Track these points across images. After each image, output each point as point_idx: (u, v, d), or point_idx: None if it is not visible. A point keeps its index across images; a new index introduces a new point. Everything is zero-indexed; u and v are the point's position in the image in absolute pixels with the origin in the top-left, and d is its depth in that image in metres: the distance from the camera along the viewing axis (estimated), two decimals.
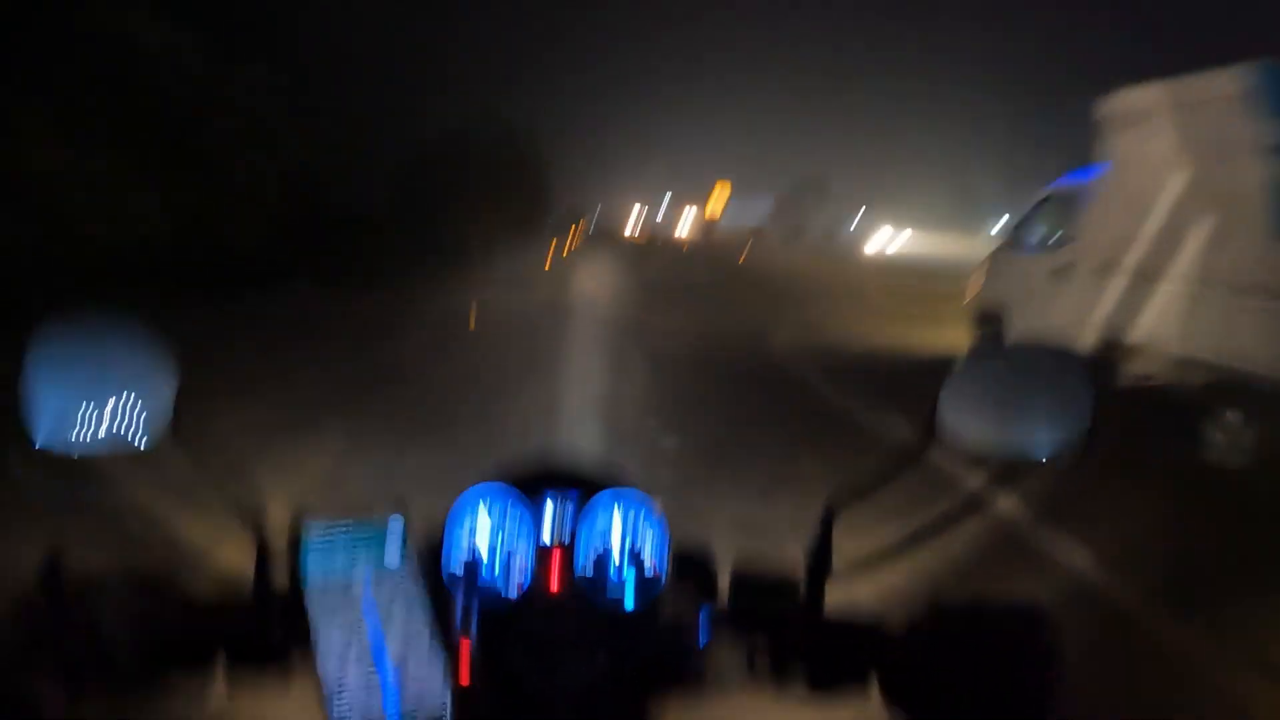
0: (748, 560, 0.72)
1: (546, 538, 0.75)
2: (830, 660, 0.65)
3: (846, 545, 0.69)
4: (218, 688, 0.60)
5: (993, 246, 8.17)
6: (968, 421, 0.65)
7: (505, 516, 0.74)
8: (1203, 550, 3.26)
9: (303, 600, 0.55)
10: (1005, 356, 0.67)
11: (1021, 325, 6.90)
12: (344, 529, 0.59)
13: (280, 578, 0.60)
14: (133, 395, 0.59)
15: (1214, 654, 2.52)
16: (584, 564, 0.74)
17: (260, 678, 0.60)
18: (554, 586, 0.73)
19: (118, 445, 0.59)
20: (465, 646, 0.64)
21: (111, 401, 0.58)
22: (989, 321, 7.46)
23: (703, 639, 0.69)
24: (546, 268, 20.00)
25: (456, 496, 0.75)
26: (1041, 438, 0.65)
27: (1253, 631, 2.66)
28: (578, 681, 0.67)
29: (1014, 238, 7.48)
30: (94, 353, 0.59)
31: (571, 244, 28.58)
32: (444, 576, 0.72)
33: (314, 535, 0.58)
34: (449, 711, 0.51)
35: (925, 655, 0.61)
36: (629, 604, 0.72)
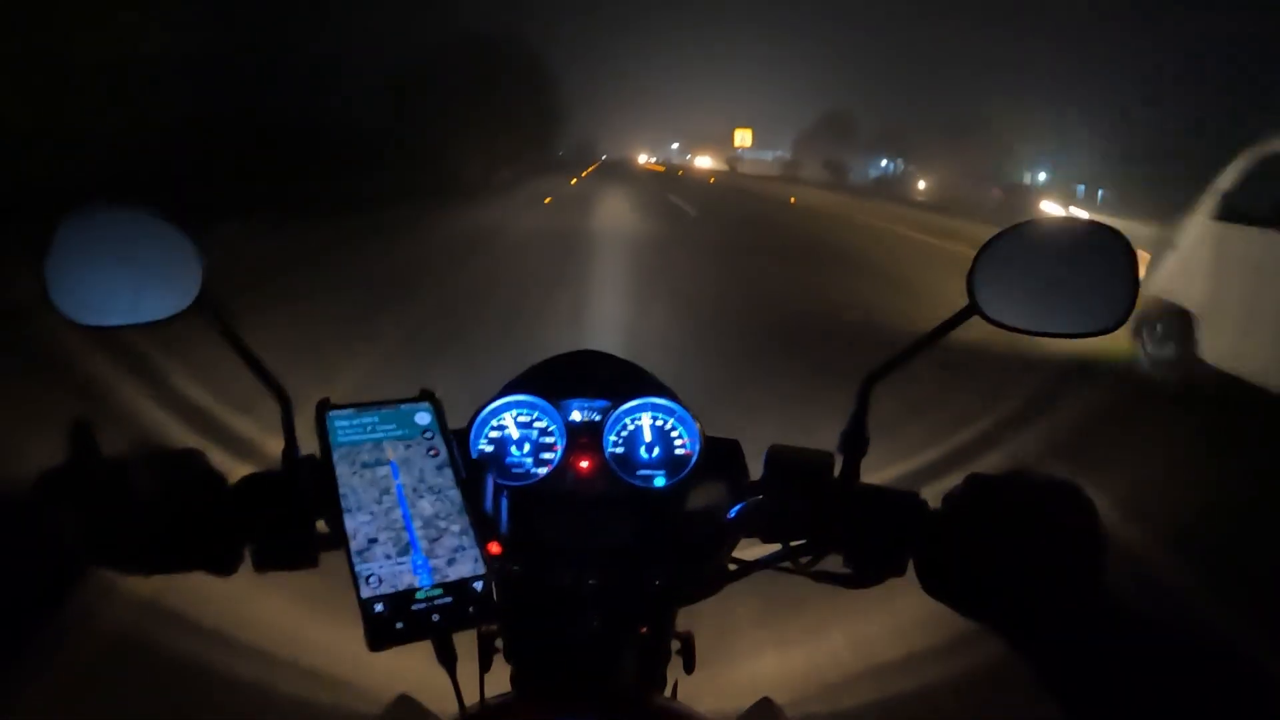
0: (783, 445, 0.70)
1: (577, 418, 0.75)
2: (865, 538, 0.64)
3: (882, 425, 0.68)
4: (248, 561, 0.60)
5: (1186, 216, 4.75)
6: (1004, 295, 0.62)
7: (533, 416, 0.75)
8: None
9: (331, 473, 0.54)
10: (1044, 231, 0.63)
11: (1239, 329, 4.14)
12: (371, 410, 0.59)
13: (308, 454, 0.60)
14: (161, 271, 0.59)
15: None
16: (614, 444, 0.74)
17: (289, 550, 0.60)
18: (583, 466, 0.73)
19: (148, 319, 0.59)
20: (494, 520, 0.65)
21: (140, 276, 0.58)
22: (1174, 325, 4.57)
23: (734, 522, 0.68)
24: (572, 183, 28.55)
25: (484, 400, 0.75)
26: (1080, 315, 0.62)
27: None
28: (605, 559, 0.68)
29: (1229, 204, 4.39)
30: (121, 229, 0.59)
31: (590, 169, 37.46)
32: (473, 455, 0.72)
33: (341, 416, 0.58)
34: (480, 574, 0.50)
35: (962, 533, 0.59)
36: (659, 482, 0.73)
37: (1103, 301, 0.62)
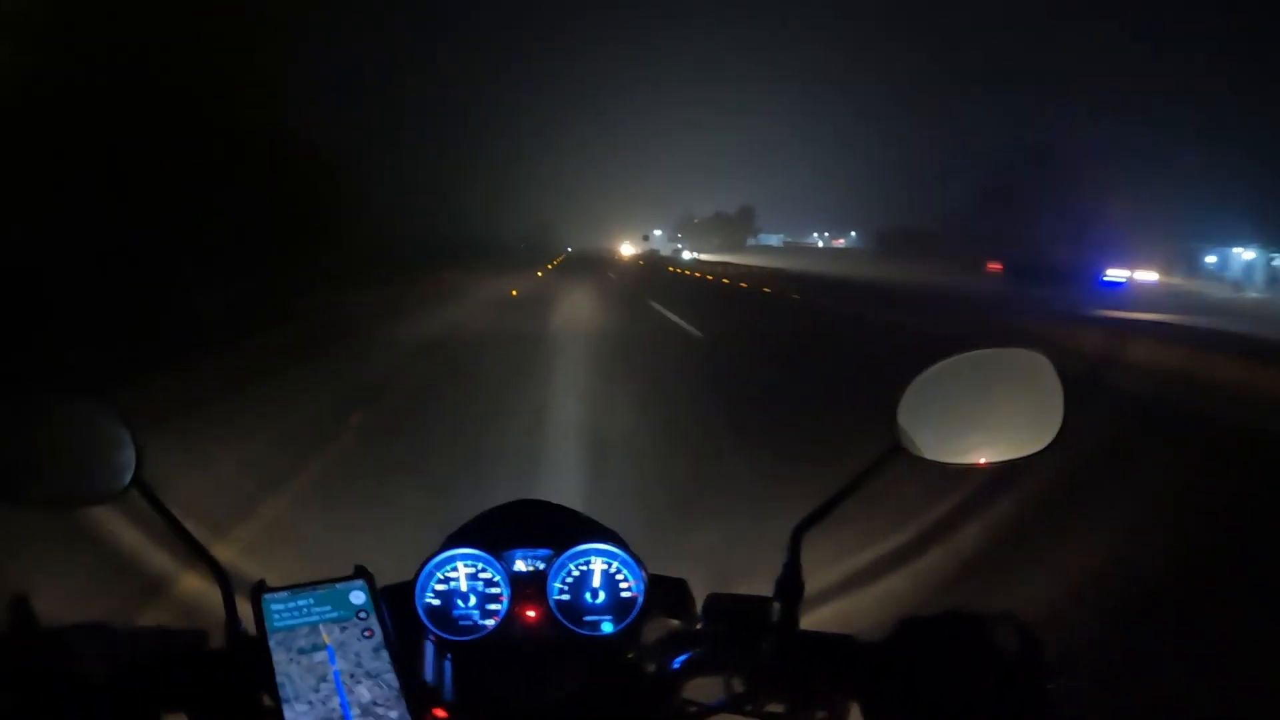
0: (722, 585, 0.72)
1: (522, 567, 0.75)
2: (806, 681, 0.65)
3: (816, 567, 0.69)
4: None
5: None
6: (929, 430, 0.64)
7: (477, 569, 0.75)
8: None
9: (267, 652, 0.54)
10: (965, 366, 0.65)
11: None
12: (306, 592, 0.59)
13: (245, 636, 0.60)
14: (95, 453, 0.60)
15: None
16: (560, 592, 0.74)
17: None
18: (530, 618, 0.73)
19: (82, 502, 0.60)
20: (436, 694, 0.64)
21: (74, 457, 0.60)
22: None
23: (677, 664, 0.69)
24: (540, 275, 25.96)
25: (425, 557, 0.75)
26: (1008, 441, 0.64)
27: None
28: (557, 706, 0.67)
29: None
30: (56, 411, 0.61)
31: (556, 260, 32.25)
32: (419, 612, 0.72)
33: (277, 598, 0.58)
34: None
35: (901, 673, 0.60)
36: (606, 628, 0.73)
37: (1030, 425, 0.64)
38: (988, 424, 0.65)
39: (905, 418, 0.64)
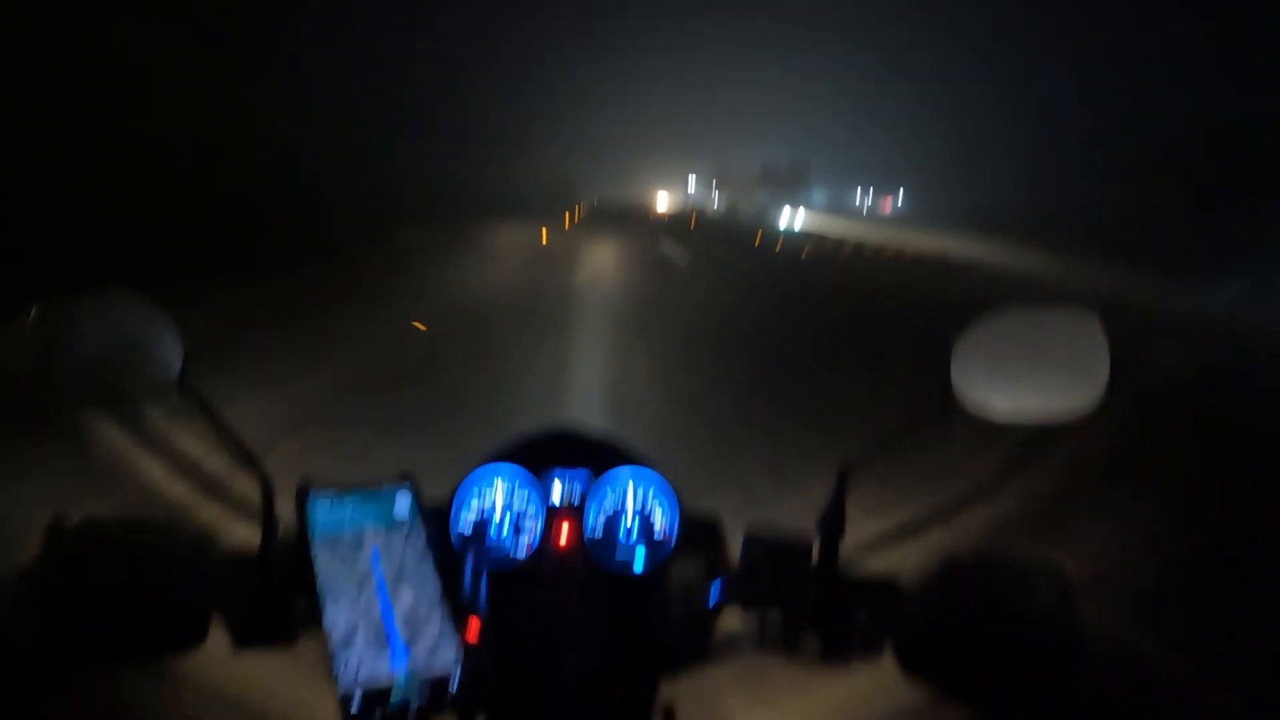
0: (760, 525, 0.71)
1: (556, 500, 0.75)
2: (843, 625, 0.65)
3: (861, 510, 0.67)
4: (223, 646, 0.60)
5: None
6: (982, 383, 0.64)
7: (514, 486, 0.75)
8: None
9: (310, 559, 0.55)
10: (1021, 319, 0.66)
11: None
12: (352, 494, 0.59)
13: (288, 537, 0.60)
14: (140, 352, 0.60)
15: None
16: (594, 526, 0.74)
17: (266, 637, 0.60)
18: (563, 546, 0.73)
19: (128, 399, 0.60)
20: (473, 605, 0.64)
21: (119, 357, 0.60)
22: None
23: (713, 602, 0.68)
24: (566, 226, 19.78)
25: (465, 473, 0.76)
26: (1055, 398, 0.64)
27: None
28: (584, 641, 0.68)
29: None
30: (100, 310, 0.61)
31: (576, 216, 24.89)
32: (452, 537, 0.72)
33: (322, 498, 0.58)
34: (457, 671, 0.50)
35: (939, 617, 0.60)
36: (638, 566, 0.73)
37: (1076, 385, 0.64)
38: (1036, 381, 0.65)
39: (959, 367, 0.65)
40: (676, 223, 28.20)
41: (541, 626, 0.69)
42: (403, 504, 0.60)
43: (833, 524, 0.66)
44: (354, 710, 0.47)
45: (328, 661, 0.48)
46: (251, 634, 0.60)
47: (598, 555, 0.73)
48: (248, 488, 0.62)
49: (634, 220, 27.49)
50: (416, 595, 0.53)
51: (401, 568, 0.55)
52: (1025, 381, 0.65)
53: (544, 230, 17.29)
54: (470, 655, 0.51)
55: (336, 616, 0.51)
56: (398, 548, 0.57)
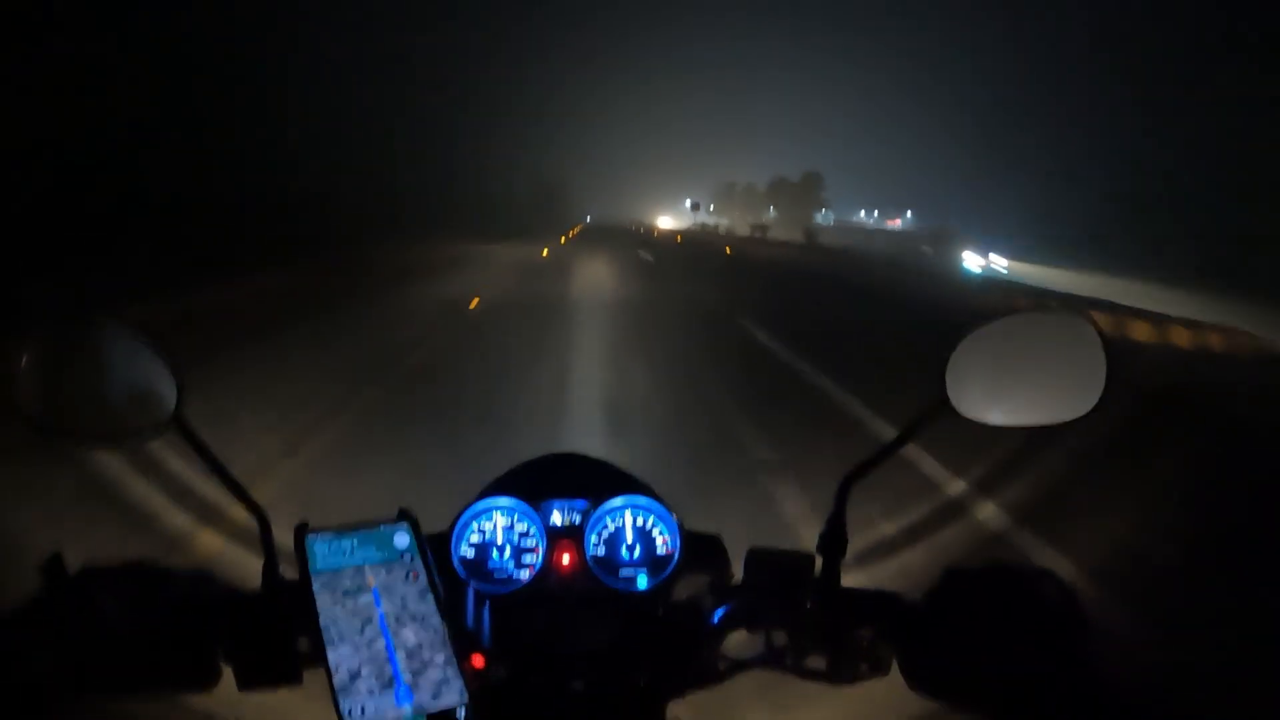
0: (762, 541, 0.70)
1: (557, 522, 0.75)
2: (848, 640, 0.64)
3: (860, 524, 0.67)
4: (228, 683, 0.59)
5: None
6: (977, 389, 0.63)
7: (513, 520, 0.75)
8: None
9: (311, 594, 0.54)
10: (1013, 327, 0.65)
11: None
12: (350, 534, 0.58)
13: (289, 572, 0.60)
14: (136, 388, 0.59)
15: None
16: (595, 545, 0.74)
17: (270, 673, 0.60)
18: (565, 568, 0.73)
19: (123, 438, 0.59)
20: (477, 635, 0.64)
21: (114, 392, 0.59)
22: None
23: (717, 620, 0.68)
24: (562, 241, 24.19)
25: (465, 504, 0.76)
26: (1052, 403, 0.63)
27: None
28: (591, 662, 0.67)
29: None
30: (96, 342, 0.60)
31: (572, 233, 28.93)
32: (454, 563, 0.72)
33: (320, 539, 0.58)
34: (464, 703, 0.50)
35: (942, 629, 0.60)
36: (641, 584, 0.72)
37: (1074, 388, 0.63)
38: (1032, 386, 0.64)
39: (953, 375, 0.64)
40: (665, 238, 38.08)
41: (546, 647, 0.68)
42: (401, 541, 0.59)
43: (834, 541, 0.66)
44: None
45: (333, 702, 0.48)
46: (256, 674, 0.59)
47: (600, 575, 0.73)
48: (245, 519, 0.62)
49: (625, 235, 37.35)
50: (420, 636, 0.53)
51: (403, 606, 0.55)
52: (1020, 388, 0.64)
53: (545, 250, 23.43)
54: (477, 684, 0.50)
55: (340, 660, 0.51)
56: (398, 586, 0.56)
